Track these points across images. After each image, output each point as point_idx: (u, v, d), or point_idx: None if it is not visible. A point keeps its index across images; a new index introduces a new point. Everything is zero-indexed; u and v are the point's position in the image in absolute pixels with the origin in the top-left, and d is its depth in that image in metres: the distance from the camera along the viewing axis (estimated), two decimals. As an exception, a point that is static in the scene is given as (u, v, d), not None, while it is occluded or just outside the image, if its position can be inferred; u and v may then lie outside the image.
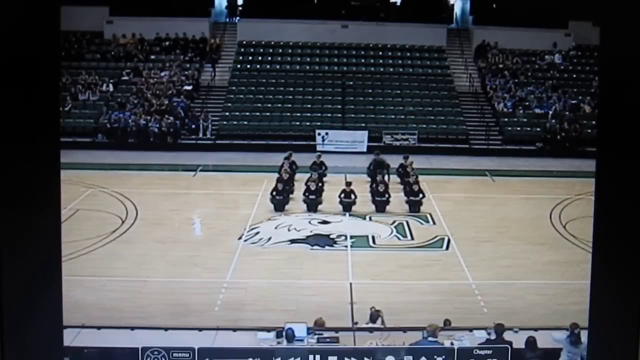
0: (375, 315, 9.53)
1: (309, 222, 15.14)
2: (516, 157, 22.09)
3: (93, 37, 26.01)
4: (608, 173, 3.85)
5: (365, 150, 22.06)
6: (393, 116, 24.05)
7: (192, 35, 26.15)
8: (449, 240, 14.09)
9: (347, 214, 15.83)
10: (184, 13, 26.05)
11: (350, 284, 11.84)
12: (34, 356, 3.79)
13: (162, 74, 24.76)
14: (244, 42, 26.65)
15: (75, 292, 10.55)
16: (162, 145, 22.22)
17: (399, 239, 14.38)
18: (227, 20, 27.71)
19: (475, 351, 8.20)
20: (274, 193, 16.12)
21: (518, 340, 8.51)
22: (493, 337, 8.56)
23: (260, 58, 26.37)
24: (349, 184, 16.32)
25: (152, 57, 25.64)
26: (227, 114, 23.98)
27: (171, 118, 22.91)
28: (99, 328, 9.01)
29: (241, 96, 24.68)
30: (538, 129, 23.43)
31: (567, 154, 21.89)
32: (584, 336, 8.16)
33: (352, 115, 24.00)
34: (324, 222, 15.18)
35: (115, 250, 13.30)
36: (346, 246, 13.87)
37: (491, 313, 10.55)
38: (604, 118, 3.89)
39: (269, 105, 24.31)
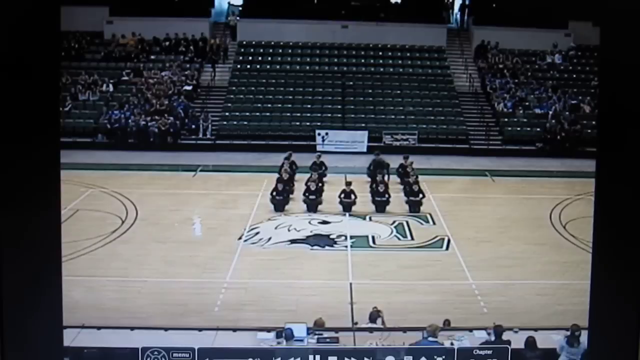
0: (375, 315, 9.53)
1: (309, 222, 15.14)
2: (516, 157, 22.08)
3: (93, 37, 26.00)
4: (608, 173, 3.85)
5: (365, 150, 22.06)
6: (393, 116, 24.04)
7: (192, 35, 26.14)
8: (449, 241, 14.09)
9: (347, 214, 15.83)
10: (184, 13, 26.04)
11: (350, 284, 11.84)
12: (34, 356, 3.79)
13: (162, 74, 24.76)
14: (244, 42, 26.65)
15: (75, 292, 10.56)
16: (162, 145, 22.22)
17: (399, 239, 14.38)
18: (227, 20, 27.72)
19: (475, 351, 8.20)
20: (274, 193, 16.12)
21: (518, 341, 8.52)
22: (492, 338, 8.56)
23: (260, 58, 26.36)
24: (349, 184, 16.32)
25: (152, 57, 25.63)
26: (227, 114, 23.98)
27: (171, 118, 22.90)
28: (98, 328, 9.00)
29: (241, 96, 24.68)
30: (538, 129, 23.42)
31: (567, 154, 21.87)
32: (583, 337, 8.19)
33: (352, 116, 24.00)
34: (324, 222, 15.18)
35: (115, 250, 13.30)
36: (346, 246, 13.87)
37: (491, 313, 10.55)
38: (604, 118, 3.89)
39: (269, 105, 24.31)
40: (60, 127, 4.31)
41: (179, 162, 20.63)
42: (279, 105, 24.39)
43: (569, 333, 8.44)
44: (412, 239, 14.39)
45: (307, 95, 24.84)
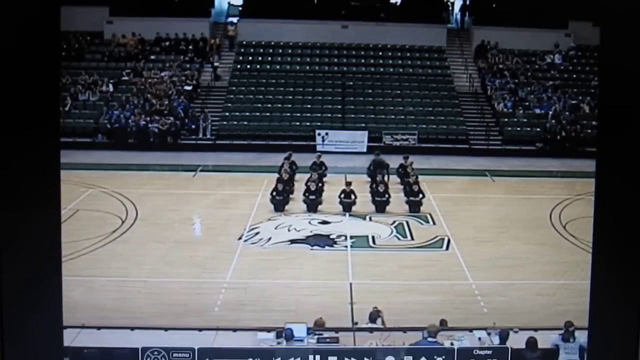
0: (374, 315, 9.54)
1: (309, 223, 15.14)
2: (516, 157, 22.08)
3: (93, 37, 26.00)
4: (608, 173, 3.85)
5: (365, 150, 22.06)
6: (393, 116, 24.05)
7: (192, 35, 26.15)
8: (449, 241, 14.09)
9: (347, 214, 15.83)
10: (184, 13, 26.05)
11: (350, 284, 11.84)
12: (34, 356, 3.79)
13: (162, 74, 24.76)
14: (244, 42, 26.65)
15: (75, 292, 10.57)
16: (162, 145, 22.23)
17: (399, 239, 14.38)
18: (227, 20, 27.73)
19: (475, 351, 8.20)
20: (274, 193, 16.12)
21: (518, 341, 8.52)
22: (497, 342, 8.57)
23: (260, 58, 26.36)
24: (349, 184, 16.32)
25: (152, 57, 25.64)
26: (227, 114, 23.98)
27: (171, 118, 22.91)
28: (98, 328, 9.00)
29: (241, 96, 24.68)
30: (538, 129, 23.43)
31: (567, 154, 21.88)
32: (577, 334, 8.25)
33: (352, 116, 24.00)
34: (324, 222, 15.18)
35: (115, 250, 13.30)
36: (346, 246, 13.87)
37: (491, 313, 10.55)
38: (604, 118, 3.89)
39: (269, 105, 24.31)
40: (60, 127, 4.31)
41: (179, 162, 20.63)
42: (279, 105, 24.40)
43: (562, 330, 8.49)
44: (412, 239, 14.39)
45: (307, 95, 24.84)
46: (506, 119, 23.91)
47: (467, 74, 26.12)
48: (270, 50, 26.59)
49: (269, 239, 14.06)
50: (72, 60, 24.72)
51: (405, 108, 24.41)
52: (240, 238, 14.06)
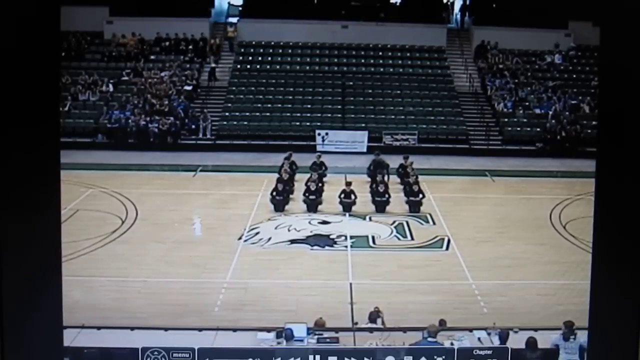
0: (374, 315, 9.54)
1: (309, 223, 15.14)
2: (516, 157, 22.08)
3: (93, 37, 26.00)
4: (608, 173, 3.86)
5: (365, 150, 22.06)
6: (393, 116, 24.04)
7: (192, 35, 26.14)
8: (449, 241, 14.09)
9: (347, 214, 15.83)
10: (184, 13, 26.03)
11: (350, 284, 11.84)
12: (34, 356, 3.79)
13: (162, 74, 24.76)
14: (244, 42, 26.65)
15: (75, 292, 10.56)
16: (162, 146, 22.22)
17: (399, 239, 14.38)
18: (227, 20, 27.73)
19: (475, 351, 8.21)
20: (274, 193, 16.12)
21: (518, 341, 8.52)
22: (497, 342, 8.58)
23: (260, 58, 26.36)
24: (349, 184, 16.32)
25: (152, 57, 25.63)
26: (227, 114, 23.98)
27: (171, 118, 22.91)
28: (98, 328, 9.01)
29: (241, 96, 24.68)
30: (538, 129, 23.42)
31: (567, 154, 21.88)
32: (577, 333, 8.27)
33: (352, 116, 24.00)
34: (324, 223, 15.18)
35: (114, 250, 13.30)
36: (346, 246, 13.87)
37: (491, 313, 10.55)
38: (604, 118, 3.89)
39: (269, 105, 24.31)
40: (60, 127, 4.31)
41: (179, 162, 20.63)
42: (279, 105, 24.39)
43: (562, 331, 8.50)
44: (412, 239, 14.39)
45: (307, 95, 24.83)
46: (506, 119, 23.90)
47: (467, 74, 26.12)
48: (270, 50, 26.59)
49: (269, 239, 14.06)
50: (72, 60, 24.71)
51: (405, 108, 24.41)
52: (240, 238, 14.06)
